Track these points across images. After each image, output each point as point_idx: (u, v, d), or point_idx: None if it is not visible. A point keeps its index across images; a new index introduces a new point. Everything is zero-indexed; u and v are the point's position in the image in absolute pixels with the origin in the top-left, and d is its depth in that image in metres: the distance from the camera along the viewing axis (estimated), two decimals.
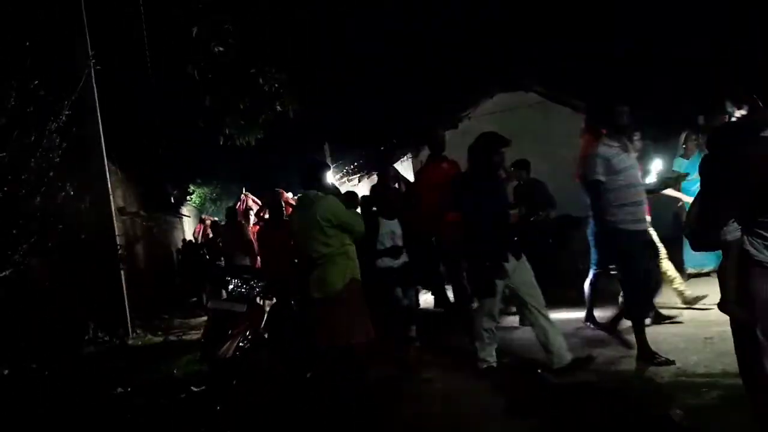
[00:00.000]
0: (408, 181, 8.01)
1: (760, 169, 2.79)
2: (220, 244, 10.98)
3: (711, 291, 5.75)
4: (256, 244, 10.91)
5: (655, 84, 13.04)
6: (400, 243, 6.15)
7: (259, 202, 11.61)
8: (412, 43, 17.54)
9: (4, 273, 5.84)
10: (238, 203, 12.03)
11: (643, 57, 14.50)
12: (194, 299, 13.88)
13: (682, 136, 7.99)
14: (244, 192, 12.48)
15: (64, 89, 6.68)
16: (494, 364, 5.34)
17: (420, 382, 5.49)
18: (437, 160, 6.97)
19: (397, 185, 7.71)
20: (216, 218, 16.31)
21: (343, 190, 8.73)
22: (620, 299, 5.97)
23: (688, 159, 7.70)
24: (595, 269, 6.27)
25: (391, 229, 6.15)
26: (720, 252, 3.20)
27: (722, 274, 3.17)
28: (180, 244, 18.09)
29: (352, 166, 14.01)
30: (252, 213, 11.38)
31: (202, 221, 15.80)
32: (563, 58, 15.19)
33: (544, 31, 16.11)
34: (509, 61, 13.37)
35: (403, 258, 6.08)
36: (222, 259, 10.70)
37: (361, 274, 5.91)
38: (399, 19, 16.88)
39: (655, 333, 5.46)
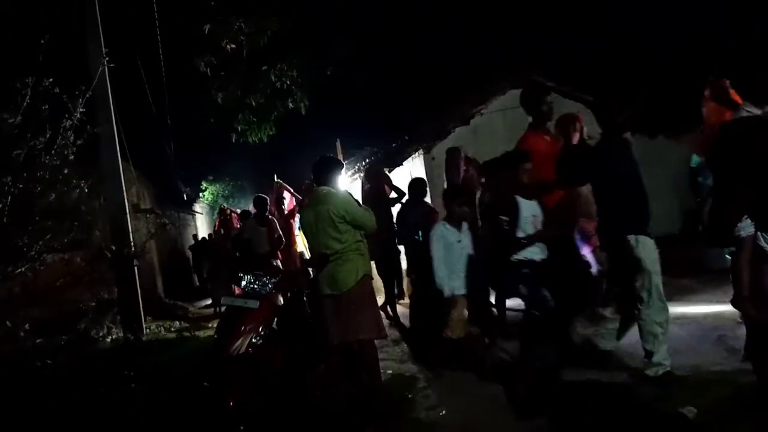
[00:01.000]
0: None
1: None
2: (246, 237, 9.86)
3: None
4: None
5: (669, 78, 12.95)
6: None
7: (292, 191, 11.03)
8: (423, 39, 17.53)
9: (19, 269, 5.89)
10: (271, 192, 11.17)
11: (657, 52, 14.43)
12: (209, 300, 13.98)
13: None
14: (276, 179, 11.51)
15: (78, 86, 6.72)
16: (669, 368, 4.58)
17: (427, 380, 5.49)
18: (539, 130, 5.72)
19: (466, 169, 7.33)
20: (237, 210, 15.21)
21: (352, 186, 8.67)
22: None
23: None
24: None
25: (533, 213, 4.96)
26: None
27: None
28: (193, 240, 18.21)
29: (364, 162, 14.00)
30: (285, 202, 10.78)
31: (221, 212, 14.64)
32: (574, 53, 15.13)
33: (554, 27, 16.05)
34: (520, 57, 13.31)
35: (544, 250, 4.88)
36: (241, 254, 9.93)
37: (493, 267, 5.41)
38: (410, 15, 16.87)
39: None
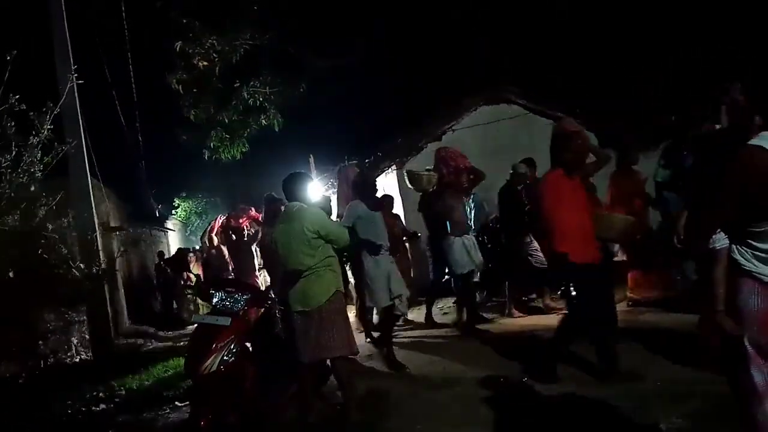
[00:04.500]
0: None
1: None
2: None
3: None
4: None
5: (635, 94, 13.14)
6: None
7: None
8: (395, 55, 17.61)
9: None
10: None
11: (623, 67, 14.63)
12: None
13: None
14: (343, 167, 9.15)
15: (46, 103, 6.63)
16: None
17: (403, 393, 5.45)
18: None
19: None
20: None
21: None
22: None
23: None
24: None
25: None
26: None
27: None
28: (168, 257, 17.62)
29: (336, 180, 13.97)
30: None
31: (242, 212, 10.48)
32: (545, 71, 15.29)
33: (526, 44, 16.23)
34: (492, 75, 13.41)
35: None
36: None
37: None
38: (381, 32, 16.96)
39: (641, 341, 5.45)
